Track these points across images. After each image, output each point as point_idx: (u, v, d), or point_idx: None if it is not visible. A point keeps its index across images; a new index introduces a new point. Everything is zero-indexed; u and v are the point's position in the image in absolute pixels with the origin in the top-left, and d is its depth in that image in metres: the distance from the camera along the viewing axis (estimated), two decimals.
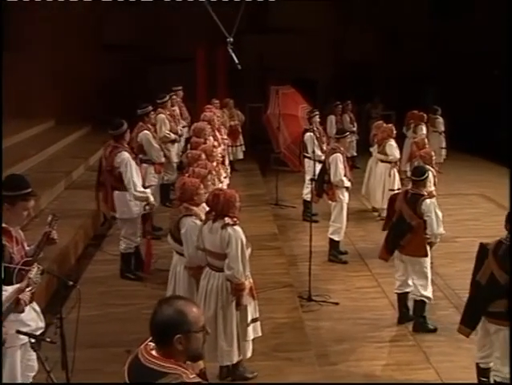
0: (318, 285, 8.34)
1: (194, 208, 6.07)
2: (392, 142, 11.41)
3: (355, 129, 15.87)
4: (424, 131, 13.94)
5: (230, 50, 11.60)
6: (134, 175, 7.70)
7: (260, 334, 5.85)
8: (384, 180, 11.38)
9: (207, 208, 5.87)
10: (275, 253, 9.11)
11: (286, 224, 11.37)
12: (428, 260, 7.31)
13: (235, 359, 5.74)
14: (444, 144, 15.78)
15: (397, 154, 11.40)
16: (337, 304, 7.97)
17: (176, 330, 2.77)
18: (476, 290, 5.67)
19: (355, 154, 15.94)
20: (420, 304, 7.35)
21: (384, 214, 11.12)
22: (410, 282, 7.38)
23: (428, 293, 7.33)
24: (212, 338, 5.56)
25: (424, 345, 6.99)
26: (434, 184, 9.07)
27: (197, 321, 2.82)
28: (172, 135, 10.88)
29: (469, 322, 5.76)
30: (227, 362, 5.75)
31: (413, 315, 7.42)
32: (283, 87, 12.54)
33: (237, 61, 11.30)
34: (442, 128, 15.65)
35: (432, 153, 9.55)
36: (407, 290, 7.45)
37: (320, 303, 7.94)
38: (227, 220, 5.51)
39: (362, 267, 9.29)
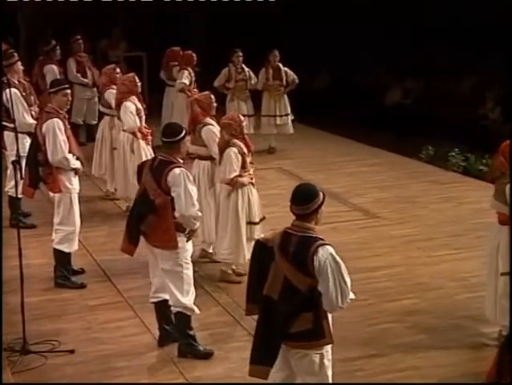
0: (40, 327, 8.28)
1: None
2: (129, 103, 11.31)
3: (87, 80, 15.76)
4: (185, 79, 14.27)
5: None
6: None
7: None
8: (124, 155, 11.52)
9: None
10: None
11: None
12: (185, 255, 7.60)
13: None
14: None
15: (133, 122, 11.33)
16: (72, 352, 7.86)
17: None
18: (267, 310, 5.75)
19: (93, 122, 15.57)
20: (181, 317, 7.68)
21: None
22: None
23: (187, 301, 7.60)
24: None
25: None
26: (244, 167, 9.21)
27: None
28: None
29: (264, 358, 5.78)
30: None
31: (176, 333, 7.81)
32: None
33: None
34: None
35: (242, 118, 9.52)
36: (165, 297, 7.77)
37: (44, 355, 7.74)
38: None
39: (108, 290, 9.39)
